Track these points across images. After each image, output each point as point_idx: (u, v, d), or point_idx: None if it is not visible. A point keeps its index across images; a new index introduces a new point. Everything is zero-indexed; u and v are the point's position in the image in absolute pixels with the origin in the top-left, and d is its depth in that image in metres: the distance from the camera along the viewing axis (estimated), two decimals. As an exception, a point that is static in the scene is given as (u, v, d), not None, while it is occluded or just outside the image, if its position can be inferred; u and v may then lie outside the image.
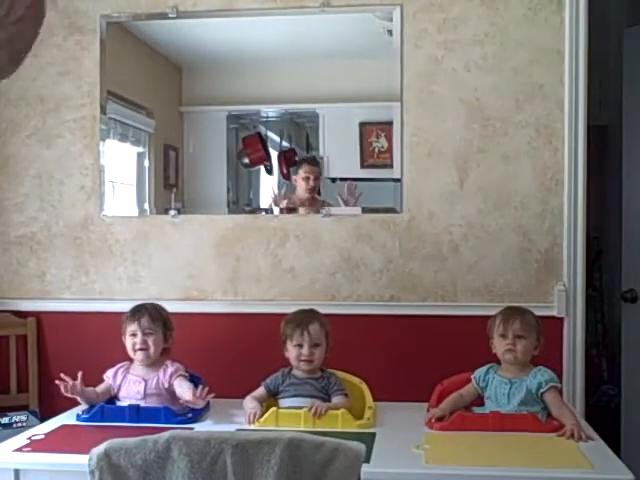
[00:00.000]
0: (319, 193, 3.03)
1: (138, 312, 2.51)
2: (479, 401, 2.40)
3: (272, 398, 2.46)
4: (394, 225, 2.89)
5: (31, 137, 3.05)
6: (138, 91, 3.07)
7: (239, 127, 3.04)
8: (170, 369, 2.47)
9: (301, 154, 3.01)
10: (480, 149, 2.84)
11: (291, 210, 3.01)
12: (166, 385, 2.46)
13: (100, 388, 2.49)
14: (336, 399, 2.40)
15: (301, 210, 3.02)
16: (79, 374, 2.40)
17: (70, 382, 2.37)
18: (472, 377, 2.42)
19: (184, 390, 2.40)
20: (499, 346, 2.36)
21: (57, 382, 2.39)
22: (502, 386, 2.34)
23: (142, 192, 3.08)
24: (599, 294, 3.90)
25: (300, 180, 3.01)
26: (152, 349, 2.48)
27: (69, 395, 2.39)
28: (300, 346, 2.44)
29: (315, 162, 3.01)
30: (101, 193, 3.02)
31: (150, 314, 2.50)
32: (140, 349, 2.47)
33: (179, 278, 2.99)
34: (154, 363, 2.50)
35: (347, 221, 2.91)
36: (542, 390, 2.29)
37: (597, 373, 3.79)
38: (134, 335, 2.48)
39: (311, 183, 3.00)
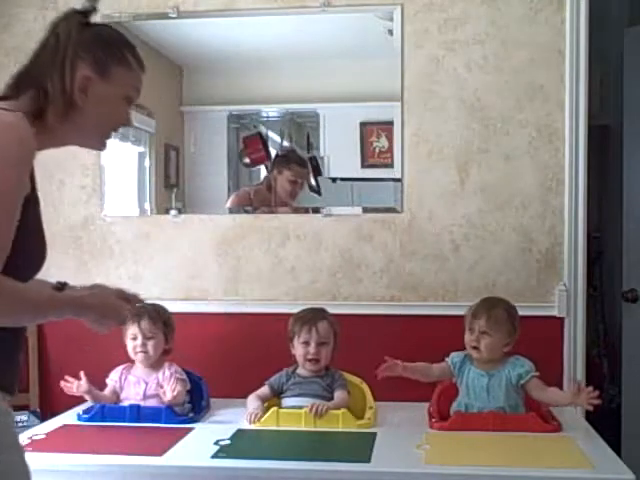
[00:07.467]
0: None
1: (138, 314, 2.48)
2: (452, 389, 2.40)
3: (276, 397, 2.47)
4: (395, 225, 2.88)
5: (32, 137, 3.04)
6: (139, 91, 3.06)
7: (240, 127, 3.03)
8: (167, 372, 2.48)
9: (302, 154, 2.99)
10: (481, 149, 2.84)
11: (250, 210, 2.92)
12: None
13: (108, 391, 2.51)
14: (337, 394, 2.40)
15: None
16: (81, 374, 2.41)
17: (75, 382, 2.40)
18: (448, 359, 2.41)
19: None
20: (467, 339, 2.37)
21: (62, 384, 2.41)
22: (479, 379, 2.33)
23: (143, 192, 3.08)
24: (600, 294, 3.89)
25: (286, 182, 2.93)
26: (152, 352, 2.49)
27: (76, 394, 2.41)
28: (307, 344, 2.43)
29: (304, 163, 2.91)
30: (102, 193, 3.02)
31: (150, 317, 2.49)
32: (140, 352, 2.48)
33: (180, 278, 2.99)
34: (154, 364, 2.51)
35: (348, 221, 2.91)
36: (522, 381, 2.30)
37: (598, 373, 3.78)
38: (134, 338, 2.48)
39: (297, 189, 2.93)
